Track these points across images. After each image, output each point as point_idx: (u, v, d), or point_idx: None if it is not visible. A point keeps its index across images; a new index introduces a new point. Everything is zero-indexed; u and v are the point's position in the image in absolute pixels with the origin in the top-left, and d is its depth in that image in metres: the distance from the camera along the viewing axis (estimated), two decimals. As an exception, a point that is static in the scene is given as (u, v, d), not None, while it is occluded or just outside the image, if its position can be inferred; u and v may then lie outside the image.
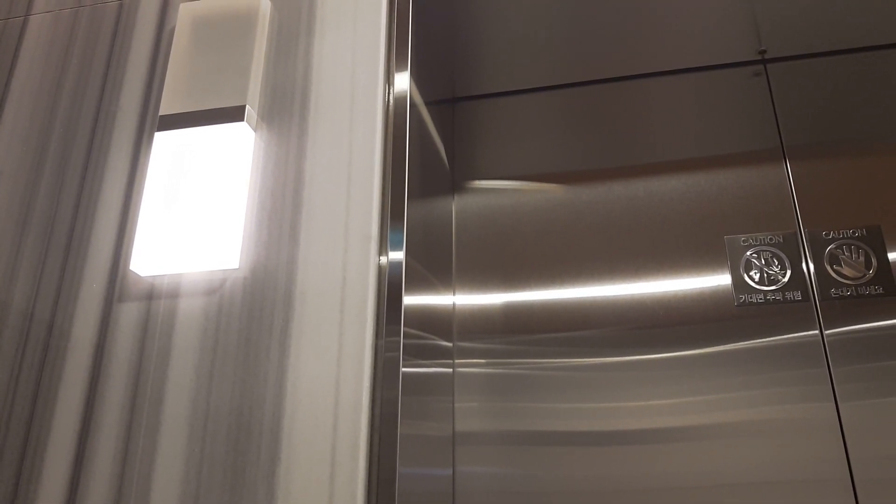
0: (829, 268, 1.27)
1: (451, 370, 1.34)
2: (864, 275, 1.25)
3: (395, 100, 1.13)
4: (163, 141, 1.11)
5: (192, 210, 1.06)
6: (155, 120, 1.19)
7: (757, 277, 1.29)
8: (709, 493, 1.17)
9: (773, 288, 1.27)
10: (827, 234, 1.29)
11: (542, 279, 1.37)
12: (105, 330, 1.07)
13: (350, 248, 1.03)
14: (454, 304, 1.40)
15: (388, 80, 1.14)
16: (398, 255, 1.03)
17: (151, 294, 1.08)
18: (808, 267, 1.28)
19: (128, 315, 1.07)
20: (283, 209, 1.08)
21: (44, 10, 1.34)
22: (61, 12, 1.33)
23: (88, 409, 1.03)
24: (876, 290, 1.24)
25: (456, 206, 1.48)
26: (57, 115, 1.24)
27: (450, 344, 1.35)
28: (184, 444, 0.98)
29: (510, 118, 1.53)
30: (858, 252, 1.27)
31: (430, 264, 1.23)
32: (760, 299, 1.27)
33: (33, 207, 1.18)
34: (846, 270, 1.26)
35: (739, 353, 1.24)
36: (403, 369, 0.98)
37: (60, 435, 1.02)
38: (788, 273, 1.28)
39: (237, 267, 1.05)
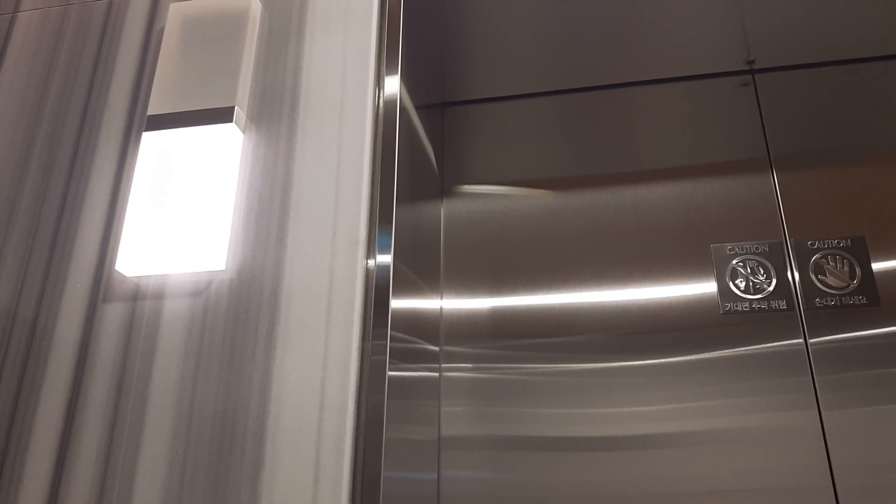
0: (813, 277, 1.28)
1: (437, 374, 1.34)
2: (849, 285, 1.26)
3: (385, 103, 1.13)
4: (150, 141, 1.10)
5: (179, 211, 1.05)
6: (143, 120, 1.18)
7: (743, 286, 1.29)
8: (692, 500, 1.18)
9: (758, 296, 1.28)
10: (812, 244, 1.30)
11: (530, 284, 1.38)
12: (89, 330, 1.06)
13: (337, 250, 1.03)
14: (441, 309, 1.39)
15: (378, 84, 1.14)
16: (386, 259, 1.03)
17: (137, 295, 1.07)
18: (794, 276, 1.29)
19: (112, 315, 1.06)
20: (270, 211, 1.08)
21: (32, 7, 1.33)
22: (50, 10, 1.32)
23: (71, 410, 1.02)
24: (860, 300, 1.25)
25: (444, 210, 1.48)
26: (44, 113, 1.23)
27: (436, 348, 1.35)
28: (167, 446, 0.97)
29: (500, 124, 1.54)
30: (843, 262, 1.28)
31: (418, 268, 1.23)
32: (746, 308, 1.28)
33: (18, 205, 1.17)
34: (831, 280, 1.27)
35: (724, 360, 1.25)
36: (390, 373, 0.97)
37: (42, 435, 1.01)
38: (774, 282, 1.29)
39: (223, 268, 1.05)
